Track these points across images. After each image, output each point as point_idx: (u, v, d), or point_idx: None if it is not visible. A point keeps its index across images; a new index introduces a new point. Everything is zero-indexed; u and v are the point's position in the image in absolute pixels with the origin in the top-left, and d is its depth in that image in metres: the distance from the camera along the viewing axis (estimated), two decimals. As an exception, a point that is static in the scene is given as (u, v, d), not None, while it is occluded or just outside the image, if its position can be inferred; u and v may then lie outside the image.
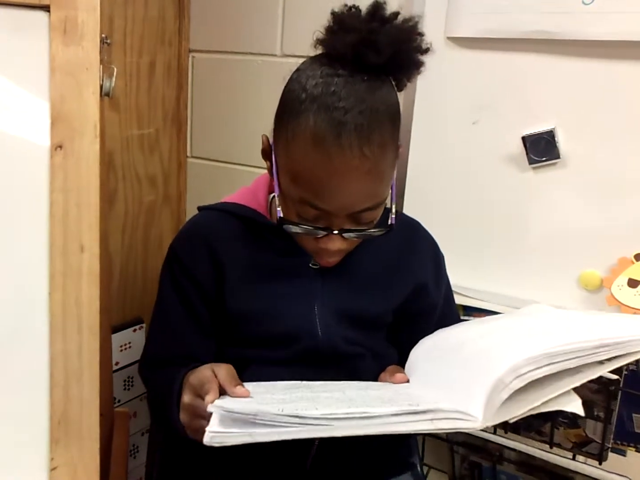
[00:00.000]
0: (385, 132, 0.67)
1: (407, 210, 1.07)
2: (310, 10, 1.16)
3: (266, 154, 0.76)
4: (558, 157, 0.95)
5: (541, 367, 0.54)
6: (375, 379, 0.76)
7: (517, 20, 0.94)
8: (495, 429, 1.04)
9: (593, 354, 0.56)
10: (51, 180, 0.63)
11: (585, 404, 0.59)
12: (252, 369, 0.77)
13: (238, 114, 1.32)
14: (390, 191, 0.74)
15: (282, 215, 0.72)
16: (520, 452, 1.04)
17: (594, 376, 0.58)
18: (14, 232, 0.63)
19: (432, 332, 0.79)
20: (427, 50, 0.69)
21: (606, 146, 0.92)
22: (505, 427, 1.01)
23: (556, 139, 0.95)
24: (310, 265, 0.79)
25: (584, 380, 0.58)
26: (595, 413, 0.95)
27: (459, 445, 1.12)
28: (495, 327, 0.73)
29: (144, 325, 1.32)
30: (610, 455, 0.98)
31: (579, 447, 0.99)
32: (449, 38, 1.01)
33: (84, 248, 0.63)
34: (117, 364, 1.25)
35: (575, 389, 0.59)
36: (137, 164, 1.29)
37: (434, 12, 1.00)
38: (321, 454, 0.78)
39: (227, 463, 0.80)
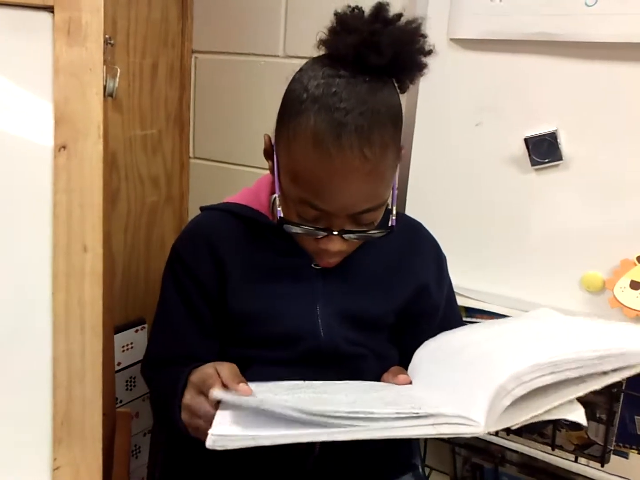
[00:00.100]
0: (386, 133, 0.67)
1: (409, 212, 1.07)
2: (313, 11, 1.16)
3: (268, 153, 0.76)
4: (560, 158, 0.95)
5: (545, 375, 0.54)
6: (377, 379, 0.76)
7: (519, 22, 0.94)
8: (497, 431, 1.04)
9: (598, 364, 0.56)
10: (55, 181, 0.63)
11: (587, 406, 0.59)
12: (254, 369, 0.76)
13: (240, 115, 1.32)
14: (391, 192, 0.74)
15: (282, 215, 0.72)
16: (522, 454, 1.04)
17: (599, 386, 0.57)
18: (17, 233, 0.63)
19: (434, 333, 0.79)
20: (429, 52, 0.69)
21: (609, 148, 0.92)
22: (508, 429, 1.01)
23: (558, 140, 0.95)
24: (312, 265, 0.79)
25: (588, 390, 0.57)
26: (598, 415, 0.95)
27: (461, 447, 1.12)
28: (502, 331, 0.73)
29: (146, 325, 1.32)
30: (613, 457, 0.98)
31: (581, 449, 0.98)
32: (451, 39, 1.01)
33: (87, 248, 0.63)
34: (119, 364, 1.26)
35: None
36: (139, 165, 1.29)
37: (436, 13, 1.00)
38: (323, 454, 0.78)
39: (229, 463, 0.80)
